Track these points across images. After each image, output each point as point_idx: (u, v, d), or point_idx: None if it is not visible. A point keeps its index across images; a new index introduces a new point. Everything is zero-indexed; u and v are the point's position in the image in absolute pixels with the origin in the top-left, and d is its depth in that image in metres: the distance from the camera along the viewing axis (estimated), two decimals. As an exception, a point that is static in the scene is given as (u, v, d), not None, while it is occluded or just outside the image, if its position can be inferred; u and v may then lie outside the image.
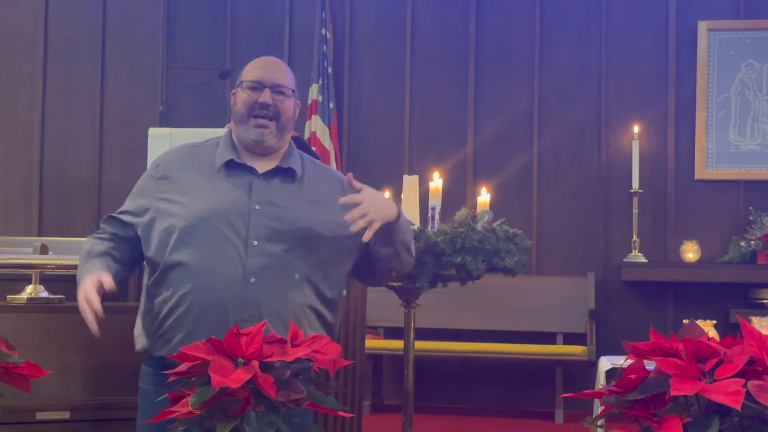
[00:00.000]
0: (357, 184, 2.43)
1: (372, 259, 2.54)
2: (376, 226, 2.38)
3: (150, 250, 2.44)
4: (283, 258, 2.38)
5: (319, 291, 2.44)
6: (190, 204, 2.40)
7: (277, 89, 2.49)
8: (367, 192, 2.43)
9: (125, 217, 2.51)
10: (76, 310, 2.58)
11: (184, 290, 2.36)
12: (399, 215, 2.46)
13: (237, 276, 2.34)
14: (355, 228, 2.36)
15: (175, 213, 2.41)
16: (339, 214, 2.47)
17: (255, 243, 2.37)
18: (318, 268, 2.44)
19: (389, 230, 2.46)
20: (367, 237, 2.37)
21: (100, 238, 2.52)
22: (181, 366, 1.82)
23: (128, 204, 2.54)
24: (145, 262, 2.50)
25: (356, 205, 2.38)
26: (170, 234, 2.39)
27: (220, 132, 2.65)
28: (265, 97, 2.47)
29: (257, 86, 2.49)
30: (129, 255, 2.50)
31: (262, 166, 2.49)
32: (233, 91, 2.56)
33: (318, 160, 2.70)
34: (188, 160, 2.51)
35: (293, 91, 2.53)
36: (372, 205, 2.38)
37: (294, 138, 3.41)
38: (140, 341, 2.48)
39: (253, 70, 2.53)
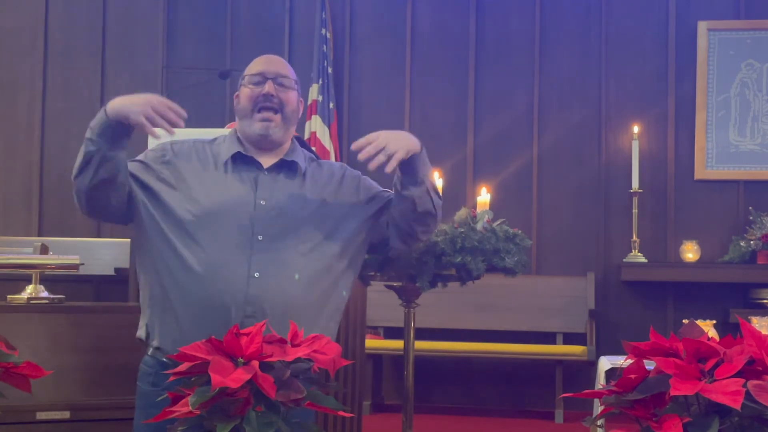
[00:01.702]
0: (362, 140, 2.39)
1: (401, 213, 2.50)
2: (399, 155, 2.35)
3: (148, 236, 2.40)
4: (288, 254, 2.37)
5: (322, 287, 2.43)
6: (195, 197, 2.38)
7: (279, 80, 2.48)
8: (380, 132, 2.41)
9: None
10: (76, 310, 2.59)
11: (189, 285, 2.34)
12: (422, 146, 2.44)
13: (242, 271, 2.33)
14: (373, 165, 2.35)
15: (177, 204, 2.39)
16: (343, 209, 2.48)
17: (260, 238, 2.36)
18: (319, 260, 2.42)
19: (414, 164, 2.42)
20: (390, 167, 2.34)
21: None
22: (181, 366, 1.82)
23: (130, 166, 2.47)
24: (139, 247, 2.47)
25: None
26: (175, 225, 2.37)
27: (221, 131, 2.66)
28: (269, 88, 2.46)
29: (260, 79, 2.49)
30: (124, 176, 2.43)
31: (267, 161, 2.48)
32: (236, 93, 2.55)
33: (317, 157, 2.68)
34: (194, 153, 2.50)
35: (296, 83, 2.53)
36: (388, 138, 2.37)
37: (294, 138, 3.42)
38: (142, 330, 2.45)
39: (255, 66, 2.54)
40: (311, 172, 2.53)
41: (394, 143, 2.36)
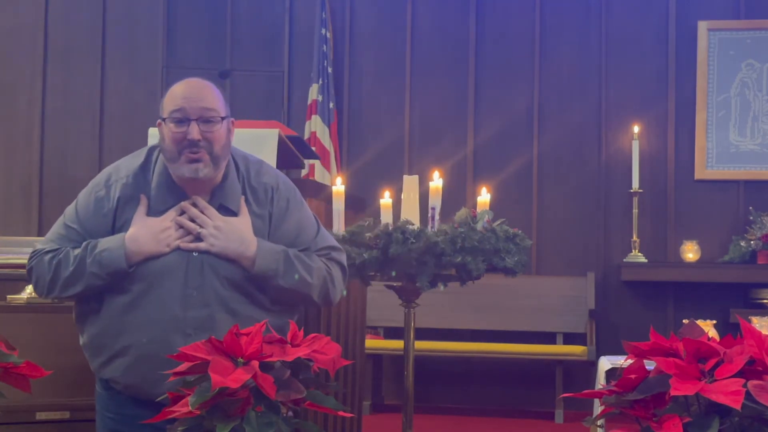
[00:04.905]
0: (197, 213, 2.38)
1: None
2: (201, 247, 2.34)
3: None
4: (224, 306, 2.33)
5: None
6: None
7: (204, 119, 2.33)
8: (230, 220, 2.37)
9: (76, 236, 2.42)
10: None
11: (125, 343, 2.34)
12: (254, 263, 2.34)
13: (177, 330, 2.30)
14: (182, 244, 2.33)
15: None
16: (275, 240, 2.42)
17: (194, 294, 2.32)
18: (261, 305, 2.39)
19: (252, 275, 2.36)
20: (182, 245, 2.33)
21: (57, 250, 2.42)
22: (181, 366, 1.82)
23: (78, 224, 2.43)
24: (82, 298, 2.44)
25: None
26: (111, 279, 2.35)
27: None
28: (193, 132, 2.31)
29: (182, 118, 2.33)
30: None
31: (199, 202, 2.39)
32: (159, 120, 2.40)
33: (262, 164, 2.54)
34: (135, 195, 2.41)
35: (223, 115, 2.37)
36: (218, 230, 2.34)
37: (294, 138, 3.42)
38: (92, 367, 2.47)
39: (175, 99, 2.35)
40: (247, 200, 2.44)
41: (215, 238, 2.33)
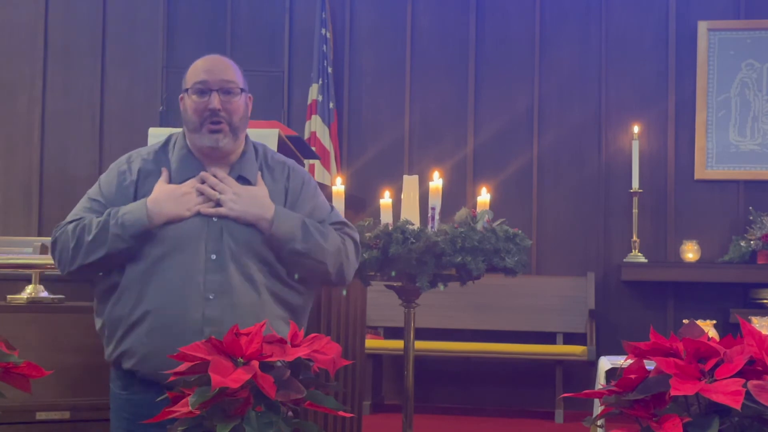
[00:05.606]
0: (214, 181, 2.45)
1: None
2: (221, 212, 2.40)
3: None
4: (241, 271, 2.38)
5: (282, 299, 2.43)
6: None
7: (224, 90, 2.45)
8: (249, 188, 2.45)
9: (99, 207, 2.47)
10: (75, 310, 2.59)
11: (144, 309, 2.37)
12: (272, 225, 2.41)
13: (196, 294, 2.35)
14: (203, 209, 2.40)
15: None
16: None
17: (213, 257, 2.38)
18: (279, 277, 2.44)
19: (270, 238, 2.42)
20: (205, 212, 2.40)
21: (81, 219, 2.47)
22: (181, 366, 1.82)
23: (101, 196, 2.49)
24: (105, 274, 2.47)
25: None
26: (136, 249, 2.39)
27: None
28: (214, 101, 2.43)
29: (204, 89, 2.45)
30: None
31: (217, 172, 2.47)
32: (180, 95, 2.52)
33: (277, 152, 2.66)
34: (155, 169, 2.49)
35: (242, 85, 2.49)
36: (237, 196, 2.41)
37: (294, 138, 3.42)
38: (107, 351, 2.49)
39: (198, 72, 2.49)
40: (264, 178, 2.52)
41: (233, 202, 2.40)
